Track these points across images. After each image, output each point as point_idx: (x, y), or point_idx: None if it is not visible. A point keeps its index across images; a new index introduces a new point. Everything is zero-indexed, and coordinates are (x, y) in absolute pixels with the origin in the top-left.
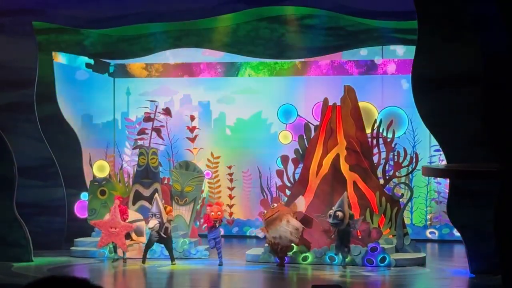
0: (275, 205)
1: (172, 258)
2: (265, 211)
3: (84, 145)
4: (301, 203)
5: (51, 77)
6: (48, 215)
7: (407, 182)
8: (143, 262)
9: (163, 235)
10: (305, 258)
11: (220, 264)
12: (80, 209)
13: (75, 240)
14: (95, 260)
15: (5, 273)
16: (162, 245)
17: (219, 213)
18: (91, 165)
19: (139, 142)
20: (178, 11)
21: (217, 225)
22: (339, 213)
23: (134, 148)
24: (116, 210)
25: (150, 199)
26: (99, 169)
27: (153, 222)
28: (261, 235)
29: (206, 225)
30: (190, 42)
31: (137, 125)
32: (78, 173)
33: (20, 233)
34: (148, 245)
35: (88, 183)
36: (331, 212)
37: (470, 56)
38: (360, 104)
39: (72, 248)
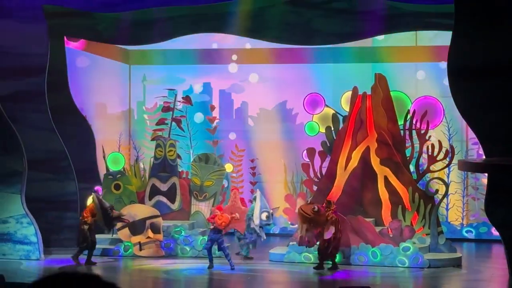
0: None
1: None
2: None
3: (98, 136)
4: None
5: (63, 64)
6: (60, 210)
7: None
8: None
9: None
10: None
11: (232, 268)
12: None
13: None
14: (109, 259)
15: (14, 271)
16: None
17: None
18: (104, 158)
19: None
20: None
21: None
22: None
23: (152, 139)
24: (237, 196)
25: (167, 194)
26: (113, 162)
27: None
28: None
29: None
30: (210, 27)
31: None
32: (92, 166)
33: (30, 230)
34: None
35: (102, 177)
36: None
37: None
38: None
39: None
